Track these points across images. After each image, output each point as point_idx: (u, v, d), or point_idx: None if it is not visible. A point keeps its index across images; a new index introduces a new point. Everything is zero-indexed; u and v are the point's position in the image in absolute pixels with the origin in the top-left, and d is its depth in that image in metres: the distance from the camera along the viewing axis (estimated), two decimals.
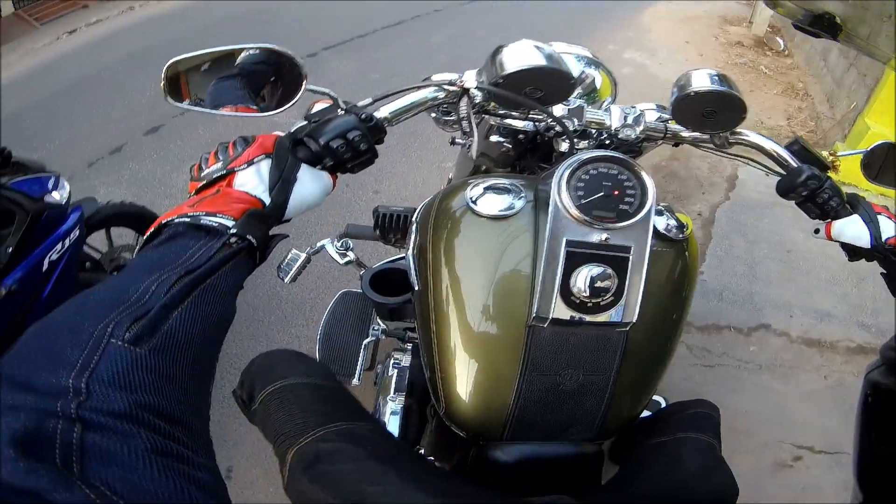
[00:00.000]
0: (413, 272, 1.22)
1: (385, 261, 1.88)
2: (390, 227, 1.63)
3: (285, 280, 1.50)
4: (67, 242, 2.30)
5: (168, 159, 4.36)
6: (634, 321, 1.02)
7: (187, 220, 0.83)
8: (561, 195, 1.00)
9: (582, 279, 0.97)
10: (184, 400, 0.65)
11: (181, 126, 4.75)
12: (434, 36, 6.82)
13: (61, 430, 0.51)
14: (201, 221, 0.83)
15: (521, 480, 1.10)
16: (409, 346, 1.81)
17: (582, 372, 1.05)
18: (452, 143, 1.76)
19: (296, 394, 1.10)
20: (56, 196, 2.29)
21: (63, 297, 2.31)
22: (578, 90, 1.51)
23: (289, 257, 1.49)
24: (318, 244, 1.60)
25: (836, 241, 1.31)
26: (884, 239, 1.22)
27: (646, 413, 1.23)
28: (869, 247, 1.23)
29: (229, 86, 1.07)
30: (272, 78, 1.10)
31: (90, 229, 2.57)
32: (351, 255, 1.63)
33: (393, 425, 1.56)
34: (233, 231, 0.84)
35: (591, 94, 1.55)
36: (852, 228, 1.26)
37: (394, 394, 1.63)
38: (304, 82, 1.02)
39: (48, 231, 2.23)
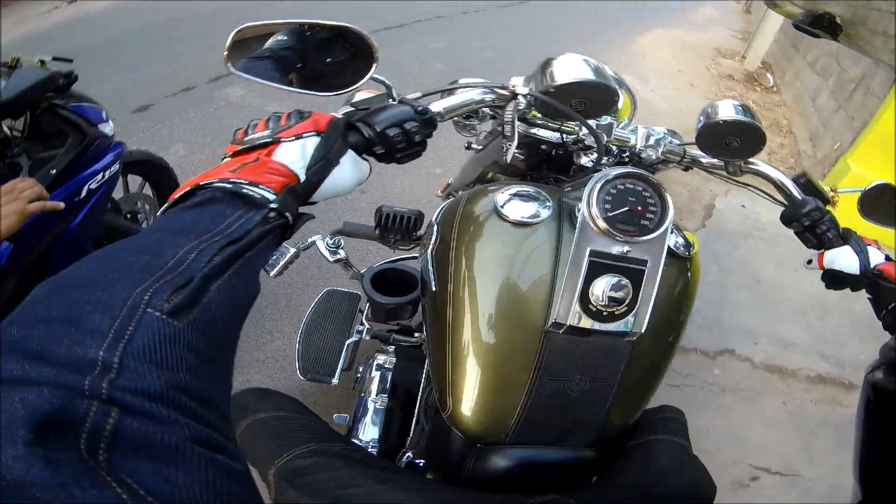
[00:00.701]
0: (431, 273, 1.24)
1: (386, 261, 1.89)
2: (392, 227, 1.63)
3: (271, 274, 1.51)
4: (108, 174, 2.32)
5: (155, 139, 4.38)
6: (642, 331, 1.05)
7: (228, 186, 0.77)
8: (591, 207, 1.02)
9: (600, 288, 1.00)
10: (215, 381, 0.59)
11: (171, 106, 4.81)
12: (433, 42, 6.93)
13: (94, 412, 0.43)
14: (243, 190, 0.77)
15: (517, 484, 1.13)
16: (392, 348, 1.81)
17: (589, 378, 1.08)
18: (468, 147, 1.78)
19: (267, 426, 1.17)
20: (106, 128, 2.35)
21: (90, 229, 2.32)
22: None
23: (277, 252, 1.50)
24: (310, 240, 1.62)
25: (827, 269, 1.38)
26: (872, 266, 1.29)
27: None
28: (858, 273, 1.30)
29: (262, 66, 1.08)
30: (298, 64, 1.11)
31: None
32: (341, 254, 1.66)
33: (374, 427, 1.59)
34: (273, 206, 0.78)
35: (613, 114, 1.59)
36: (844, 258, 1.33)
37: (376, 395, 1.66)
38: (374, 65, 1.04)
39: (93, 160, 2.26)
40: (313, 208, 0.93)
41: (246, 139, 0.91)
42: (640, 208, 1.05)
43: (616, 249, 1.02)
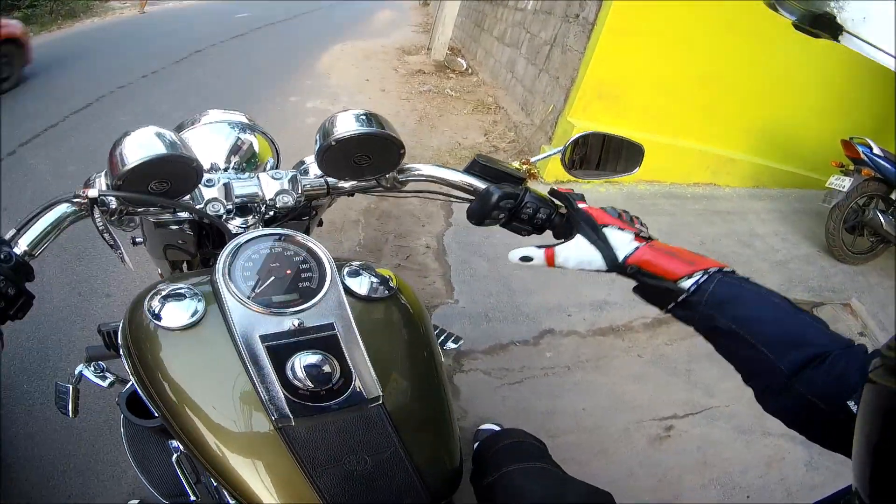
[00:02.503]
0: (145, 401, 1.09)
1: None
2: (118, 343, 1.48)
3: (69, 415, 1.38)
4: None
5: None
6: (379, 393, 0.98)
7: None
8: (233, 291, 0.97)
9: (298, 370, 0.93)
10: None
11: None
12: (119, 115, 6.51)
13: None
14: None
15: None
16: None
17: (366, 454, 0.98)
18: (134, 243, 1.63)
19: None
20: None
21: None
22: (235, 159, 1.46)
23: (59, 392, 1.37)
24: (77, 371, 1.45)
25: (562, 267, 1.17)
26: (621, 259, 1.10)
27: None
28: (606, 269, 1.12)
29: None
30: None
31: None
32: (111, 376, 1.48)
33: None
34: None
35: (253, 160, 1.50)
36: (579, 253, 1.14)
37: None
38: None
39: None
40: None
41: None
42: (289, 272, 1.02)
43: (287, 325, 0.96)
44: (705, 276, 1.02)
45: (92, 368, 1.46)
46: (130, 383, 1.47)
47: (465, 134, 6.82)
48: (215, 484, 1.49)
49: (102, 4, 15.39)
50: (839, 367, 0.85)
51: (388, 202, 4.71)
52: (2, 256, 0.95)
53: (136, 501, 2.16)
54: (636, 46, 5.16)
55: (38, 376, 2.68)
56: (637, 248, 1.09)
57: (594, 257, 1.12)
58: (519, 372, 3.17)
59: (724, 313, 0.99)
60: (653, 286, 1.07)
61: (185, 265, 1.63)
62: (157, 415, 1.05)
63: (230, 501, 1.43)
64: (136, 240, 1.62)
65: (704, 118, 5.78)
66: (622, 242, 1.10)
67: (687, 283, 1.02)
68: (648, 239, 1.12)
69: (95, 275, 3.33)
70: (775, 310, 0.99)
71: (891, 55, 0.86)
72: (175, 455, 1.75)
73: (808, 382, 0.88)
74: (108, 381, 1.46)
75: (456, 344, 1.53)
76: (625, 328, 3.58)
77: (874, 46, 0.89)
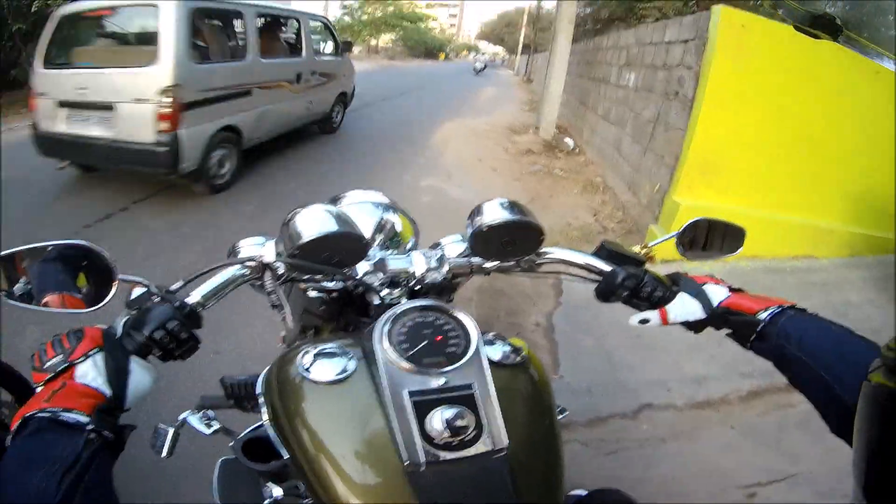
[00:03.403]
0: (278, 442, 1.21)
1: (255, 425, 1.78)
2: (241, 395, 1.52)
3: (162, 455, 1.43)
4: None
5: None
6: (506, 445, 1.03)
7: (47, 415, 0.91)
8: (387, 353, 1.05)
9: (438, 422, 0.99)
10: None
11: None
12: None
13: None
14: (60, 417, 0.91)
15: None
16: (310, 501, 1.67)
17: (484, 503, 1.03)
18: (273, 306, 1.80)
19: None
20: None
21: None
22: (380, 237, 1.60)
23: (158, 433, 1.43)
24: (181, 417, 1.51)
25: (673, 323, 1.36)
26: (715, 305, 1.30)
27: None
28: (705, 316, 1.31)
29: (51, 270, 1.15)
30: (84, 262, 1.16)
31: None
32: (216, 425, 1.52)
33: None
34: (90, 427, 0.92)
35: (395, 239, 1.62)
36: (683, 307, 1.33)
37: None
38: (115, 278, 1.11)
39: None
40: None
41: (44, 367, 1.02)
42: (439, 338, 1.09)
43: (434, 384, 1.03)
44: (778, 310, 1.20)
45: (199, 416, 1.60)
46: (245, 432, 1.62)
47: (576, 214, 6.95)
48: None
49: None
50: None
51: (501, 282, 4.86)
52: (177, 304, 1.10)
53: None
54: (735, 121, 5.24)
55: (132, 418, 2.77)
56: (728, 296, 1.30)
57: (696, 308, 1.32)
58: (615, 443, 3.24)
59: (792, 342, 1.14)
60: (737, 322, 1.25)
61: (313, 331, 1.76)
62: (285, 456, 1.17)
63: None
64: (274, 304, 1.79)
65: (803, 188, 5.73)
66: (717, 293, 1.32)
67: (762, 315, 1.20)
68: (739, 290, 1.33)
69: (205, 333, 3.35)
70: (835, 336, 1.12)
71: (891, 56, 0.94)
72: (268, 500, 1.86)
73: None
74: (211, 430, 1.55)
75: (561, 415, 1.60)
76: (721, 401, 3.59)
77: (874, 46, 0.97)
